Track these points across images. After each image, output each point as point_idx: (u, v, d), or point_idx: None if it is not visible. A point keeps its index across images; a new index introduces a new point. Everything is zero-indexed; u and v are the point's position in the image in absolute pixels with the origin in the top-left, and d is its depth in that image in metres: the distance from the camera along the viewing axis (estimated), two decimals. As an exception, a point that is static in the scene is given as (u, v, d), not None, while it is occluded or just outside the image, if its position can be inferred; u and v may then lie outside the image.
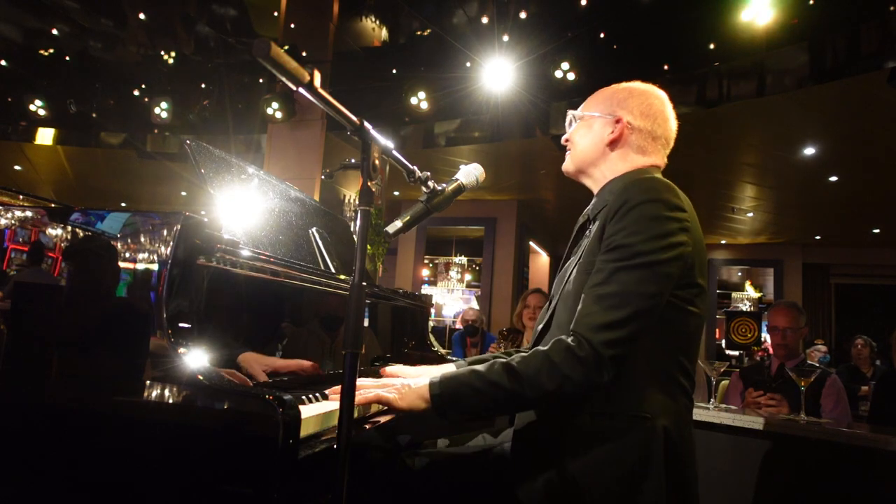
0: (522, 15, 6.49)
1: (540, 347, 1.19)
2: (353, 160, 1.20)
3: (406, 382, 1.26)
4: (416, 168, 1.30)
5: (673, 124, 1.46)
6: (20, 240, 1.27)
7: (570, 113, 1.51)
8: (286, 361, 1.42)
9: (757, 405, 2.78)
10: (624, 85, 1.48)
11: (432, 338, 5.37)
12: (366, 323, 1.94)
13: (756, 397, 2.80)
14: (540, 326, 1.39)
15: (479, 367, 1.21)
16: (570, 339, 1.16)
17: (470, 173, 1.42)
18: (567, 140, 1.51)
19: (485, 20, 6.75)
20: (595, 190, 1.47)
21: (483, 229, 9.31)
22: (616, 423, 1.19)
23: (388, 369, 1.47)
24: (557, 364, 1.14)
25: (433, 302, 5.88)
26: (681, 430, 1.22)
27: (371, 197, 1.07)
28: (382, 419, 1.40)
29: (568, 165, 1.50)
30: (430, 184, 1.33)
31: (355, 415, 1.16)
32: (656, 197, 1.23)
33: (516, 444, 1.33)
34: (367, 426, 1.33)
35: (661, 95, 1.46)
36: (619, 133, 1.40)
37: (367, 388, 1.25)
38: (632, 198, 1.22)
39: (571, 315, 1.25)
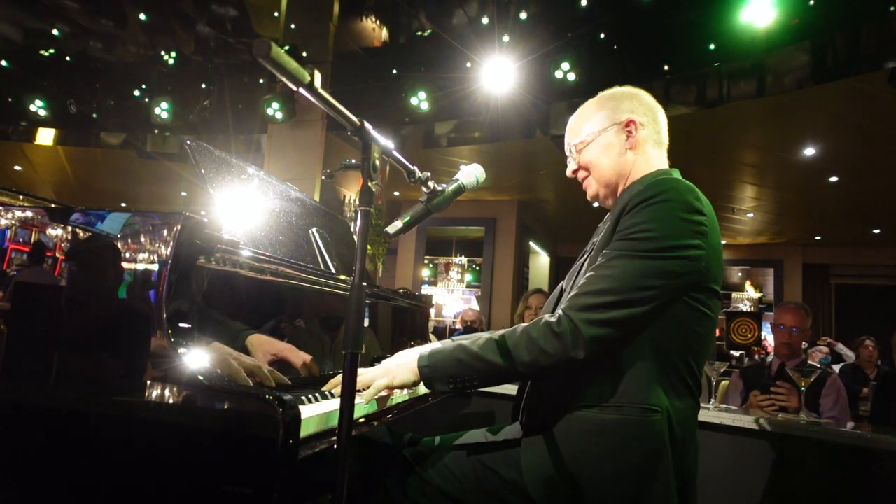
0: (522, 15, 6.49)
1: (523, 324, 1.23)
2: (353, 160, 1.20)
3: (399, 362, 1.31)
4: (416, 168, 1.30)
5: (661, 111, 1.47)
6: (20, 240, 1.27)
7: (570, 144, 1.48)
8: (286, 350, 1.42)
9: (761, 407, 2.77)
10: (605, 94, 1.47)
11: (433, 338, 5.37)
12: (366, 323, 1.94)
13: (761, 400, 2.79)
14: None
15: (465, 341, 1.25)
16: (550, 317, 1.19)
17: (470, 173, 1.42)
18: (579, 168, 1.47)
19: (485, 20, 6.75)
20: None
21: (483, 229, 9.31)
22: (624, 416, 1.19)
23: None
24: (535, 338, 1.18)
25: (433, 302, 5.89)
26: (685, 429, 1.22)
27: (371, 197, 1.07)
28: (382, 419, 1.41)
29: (596, 190, 1.45)
30: (430, 184, 1.33)
31: (360, 412, 1.18)
32: (676, 197, 1.22)
33: (526, 436, 1.33)
34: (368, 425, 1.33)
35: (642, 91, 1.47)
36: (635, 133, 1.40)
37: (365, 382, 1.29)
38: (652, 195, 1.22)
39: None
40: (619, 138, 1.41)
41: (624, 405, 1.20)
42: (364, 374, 1.30)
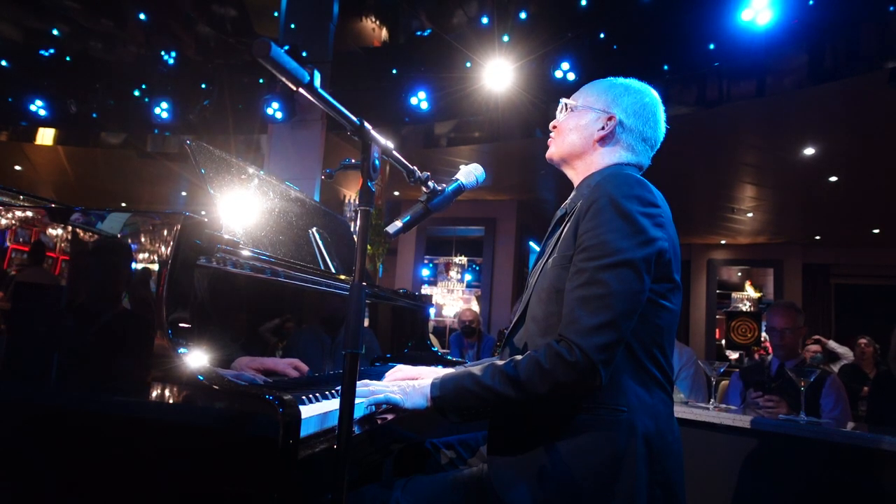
0: (522, 15, 6.49)
1: (532, 353, 1.19)
2: (353, 160, 1.20)
3: (411, 384, 1.30)
4: (416, 168, 1.31)
5: (663, 128, 1.46)
6: (20, 240, 1.27)
7: (564, 100, 1.50)
8: (269, 362, 1.42)
9: (756, 405, 2.78)
10: (621, 80, 1.46)
11: (432, 338, 5.37)
12: (366, 323, 1.94)
13: (755, 398, 2.81)
14: (514, 319, 1.40)
15: (476, 371, 1.23)
16: (560, 345, 1.16)
17: (470, 173, 1.42)
18: (555, 127, 1.50)
19: (484, 20, 6.75)
20: (576, 182, 1.46)
21: (483, 229, 9.31)
22: (593, 417, 1.20)
23: (390, 372, 1.48)
24: (549, 371, 1.15)
25: (433, 302, 5.90)
26: (659, 425, 1.22)
27: (371, 197, 1.07)
28: (383, 418, 1.41)
29: (552, 153, 1.49)
30: (430, 184, 1.33)
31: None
32: (629, 193, 1.22)
33: (492, 433, 1.34)
34: (367, 426, 1.33)
35: (655, 97, 1.46)
36: (609, 130, 1.40)
37: (375, 390, 1.28)
38: (605, 194, 1.22)
39: (545, 308, 1.27)
40: (594, 126, 1.41)
41: (592, 406, 1.20)
42: (378, 387, 1.30)
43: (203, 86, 7.63)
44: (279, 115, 6.19)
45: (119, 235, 1.18)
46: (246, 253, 1.30)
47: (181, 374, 1.06)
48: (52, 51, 8.16)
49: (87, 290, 1.20)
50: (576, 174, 1.46)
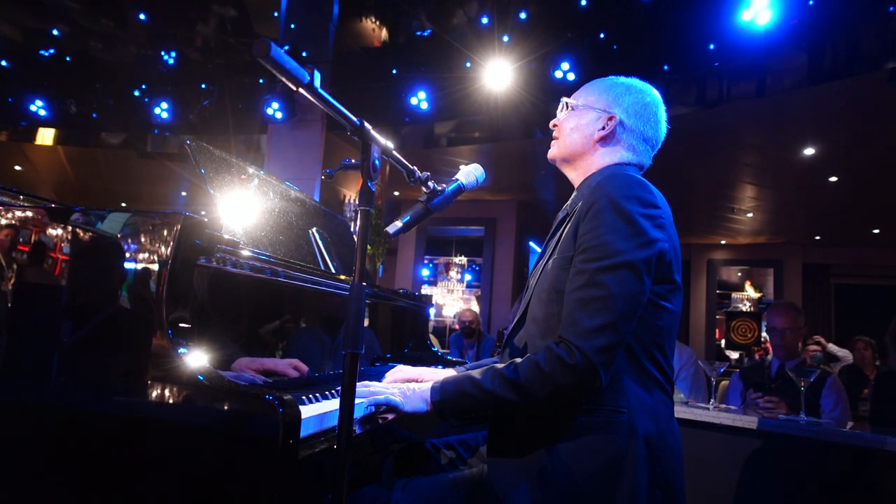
0: (522, 15, 6.49)
1: (532, 356, 1.19)
2: (353, 160, 1.20)
3: (411, 386, 1.30)
4: (415, 168, 1.31)
5: (664, 127, 1.45)
6: (21, 240, 1.27)
7: (564, 100, 1.49)
8: (269, 363, 1.42)
9: (756, 405, 2.79)
10: (622, 80, 1.46)
11: (432, 338, 5.37)
12: (366, 323, 1.94)
13: (755, 398, 2.81)
14: (514, 320, 1.40)
15: (476, 375, 1.23)
16: (559, 347, 1.16)
17: (470, 173, 1.42)
18: (556, 126, 1.49)
19: (485, 20, 6.75)
20: (576, 182, 1.46)
21: (483, 229, 9.32)
22: (593, 419, 1.20)
23: (390, 373, 1.48)
24: (548, 373, 1.15)
25: (433, 302, 5.90)
26: (660, 426, 1.22)
27: (371, 197, 1.07)
28: (383, 418, 1.41)
29: (554, 153, 1.49)
30: (430, 184, 1.33)
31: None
32: (630, 194, 1.21)
33: (492, 434, 1.34)
34: (367, 426, 1.34)
35: (657, 97, 1.45)
36: (610, 130, 1.39)
37: (376, 390, 1.29)
38: (605, 195, 1.21)
39: (545, 310, 1.26)
40: (595, 126, 1.40)
41: (593, 408, 1.20)
42: (378, 388, 1.31)
43: (203, 86, 7.64)
44: (279, 115, 6.20)
45: (119, 235, 1.18)
46: (246, 253, 1.30)
47: (181, 374, 1.06)
48: (52, 51, 8.16)
49: (86, 290, 1.20)
50: (577, 174, 1.46)
